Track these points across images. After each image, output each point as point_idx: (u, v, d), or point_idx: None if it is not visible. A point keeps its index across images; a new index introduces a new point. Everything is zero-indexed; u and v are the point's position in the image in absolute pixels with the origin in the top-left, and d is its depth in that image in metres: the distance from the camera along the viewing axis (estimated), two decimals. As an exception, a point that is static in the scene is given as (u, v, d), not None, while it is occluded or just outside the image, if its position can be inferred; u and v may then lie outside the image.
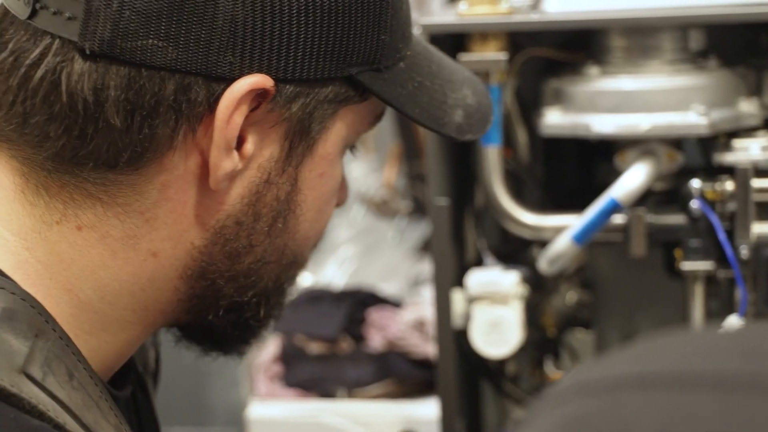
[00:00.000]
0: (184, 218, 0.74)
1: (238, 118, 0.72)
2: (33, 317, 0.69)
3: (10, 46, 0.72)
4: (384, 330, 2.21)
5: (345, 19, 0.73)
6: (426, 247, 2.41)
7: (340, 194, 0.83)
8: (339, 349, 2.21)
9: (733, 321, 1.37)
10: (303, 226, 0.78)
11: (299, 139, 0.75)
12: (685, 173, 1.40)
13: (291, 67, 0.72)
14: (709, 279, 1.41)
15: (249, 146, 0.74)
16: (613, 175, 1.40)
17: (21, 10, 0.72)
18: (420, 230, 2.45)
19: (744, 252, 1.36)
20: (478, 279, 1.46)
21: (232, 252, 0.76)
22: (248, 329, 0.81)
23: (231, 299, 0.78)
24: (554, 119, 1.40)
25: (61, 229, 0.72)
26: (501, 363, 1.54)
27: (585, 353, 1.54)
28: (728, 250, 1.35)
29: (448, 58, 0.86)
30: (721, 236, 1.36)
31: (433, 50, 0.84)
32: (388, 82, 0.77)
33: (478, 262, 1.52)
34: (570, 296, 1.55)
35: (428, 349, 2.15)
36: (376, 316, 2.23)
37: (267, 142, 0.75)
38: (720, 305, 1.42)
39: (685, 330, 0.47)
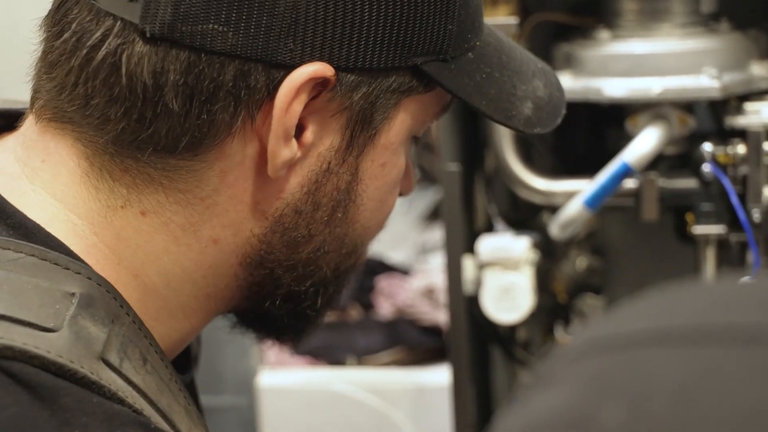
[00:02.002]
0: (244, 205, 0.73)
1: (297, 107, 0.71)
2: (109, 302, 0.70)
3: (74, 26, 0.71)
4: (393, 297, 2.21)
5: (411, 8, 0.72)
6: (434, 215, 2.41)
7: (405, 183, 0.82)
8: (348, 317, 2.22)
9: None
10: (364, 215, 0.77)
11: (360, 129, 0.74)
12: (697, 137, 1.39)
13: (353, 56, 0.71)
14: (721, 243, 1.41)
15: (309, 135, 0.73)
16: (624, 139, 1.40)
17: None
18: (428, 198, 2.45)
19: (756, 215, 1.35)
20: (489, 245, 1.46)
21: (291, 241, 0.75)
22: (305, 318, 0.80)
23: (289, 288, 0.77)
24: (565, 84, 1.37)
25: (125, 214, 0.72)
26: (512, 329, 1.54)
27: (596, 319, 1.54)
28: (741, 214, 1.35)
29: (519, 48, 0.84)
30: (734, 200, 1.35)
31: (505, 40, 0.82)
32: (455, 73, 0.76)
33: (489, 228, 1.52)
34: (580, 262, 1.55)
35: (438, 316, 2.15)
36: (385, 283, 2.23)
37: (327, 131, 0.73)
38: (732, 269, 1.42)
39: (699, 282, 0.46)
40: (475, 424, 1.51)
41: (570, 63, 1.40)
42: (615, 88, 1.36)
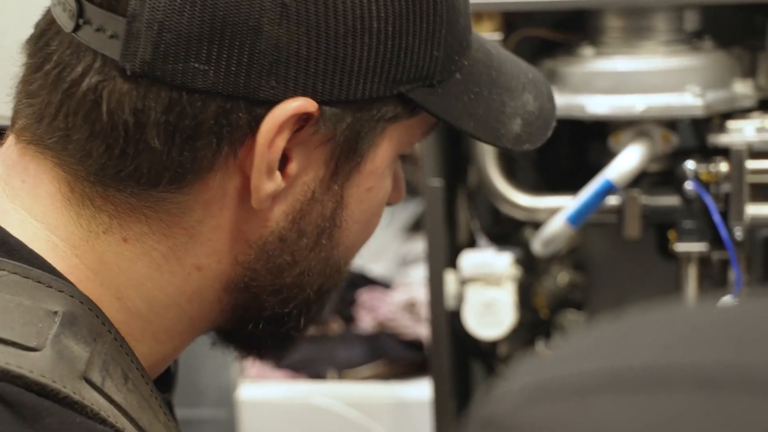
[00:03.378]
0: (228, 235, 0.73)
1: (280, 142, 0.70)
2: (91, 320, 0.69)
3: (55, 58, 0.71)
4: (374, 311, 2.21)
5: (395, 40, 0.71)
6: (415, 227, 2.41)
7: (393, 194, 0.81)
8: (329, 330, 2.21)
9: (727, 302, 1.36)
10: (349, 238, 0.77)
11: (345, 159, 0.73)
12: (680, 154, 1.39)
13: (337, 90, 0.71)
14: (703, 260, 1.41)
15: (293, 166, 0.72)
16: (607, 156, 1.40)
17: (66, 22, 0.70)
18: (409, 210, 2.45)
19: (738, 233, 1.36)
20: (472, 260, 1.45)
21: (275, 267, 0.75)
22: (287, 339, 0.80)
23: (273, 310, 0.77)
24: (549, 100, 1.39)
25: (107, 239, 0.72)
26: (493, 344, 1.54)
27: (577, 334, 1.54)
28: (723, 232, 1.35)
29: (511, 59, 0.83)
30: (716, 218, 1.35)
31: (494, 53, 0.81)
32: (442, 97, 0.75)
33: (471, 244, 1.51)
34: (562, 277, 1.55)
35: (419, 330, 2.15)
36: (366, 297, 2.23)
37: (312, 162, 0.73)
38: (713, 287, 1.42)
39: (654, 311, 0.42)
40: (455, 440, 1.51)
41: (553, 79, 1.40)
42: (598, 105, 1.36)
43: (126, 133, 0.69)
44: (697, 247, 1.38)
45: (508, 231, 1.52)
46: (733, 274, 1.37)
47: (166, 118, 0.68)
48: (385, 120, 0.74)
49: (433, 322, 1.49)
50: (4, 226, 0.71)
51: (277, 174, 0.71)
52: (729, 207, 1.36)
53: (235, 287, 0.75)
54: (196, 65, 0.68)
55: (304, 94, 0.70)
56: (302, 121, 0.71)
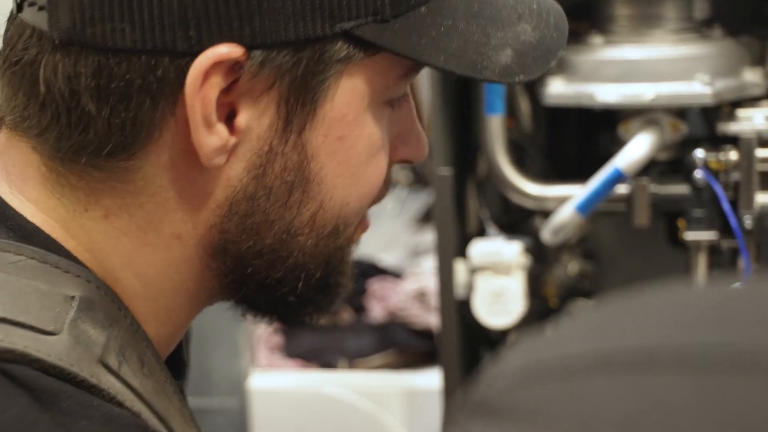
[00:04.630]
0: (194, 198, 0.72)
1: (211, 92, 0.68)
2: (108, 305, 0.70)
3: (8, 38, 0.72)
4: (385, 300, 2.21)
5: None
6: (426, 218, 2.41)
7: (407, 148, 0.78)
8: (340, 319, 2.22)
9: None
10: (334, 192, 0.74)
11: (296, 104, 0.71)
12: (689, 143, 1.39)
13: (265, 33, 0.68)
14: (712, 249, 1.41)
15: (241, 118, 0.70)
16: (616, 145, 1.40)
17: (14, 5, 0.73)
18: (420, 200, 2.45)
19: (748, 222, 1.36)
20: (481, 249, 1.46)
21: (250, 228, 0.74)
22: (290, 304, 0.79)
23: (261, 275, 0.76)
24: (558, 89, 1.39)
25: (91, 217, 0.72)
26: (503, 333, 1.54)
27: (587, 323, 1.54)
28: (732, 220, 1.35)
29: None
30: (725, 206, 1.35)
31: None
32: (399, 33, 0.71)
33: (481, 233, 1.52)
34: (572, 266, 1.55)
35: (429, 319, 2.15)
36: (376, 286, 2.23)
37: (261, 112, 0.71)
38: (723, 275, 1.42)
39: (651, 290, 0.42)
40: (465, 429, 1.51)
41: (563, 68, 1.40)
42: (607, 93, 1.36)
43: (64, 102, 0.69)
44: (706, 235, 1.38)
45: (517, 220, 1.52)
46: (742, 263, 1.37)
47: (96, 82, 0.68)
48: (336, 61, 0.71)
49: (443, 311, 1.49)
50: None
51: (219, 127, 0.70)
52: (738, 195, 1.36)
53: (217, 252, 0.74)
54: (115, 25, 0.68)
55: (229, 41, 0.68)
56: (236, 69, 0.69)
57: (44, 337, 0.65)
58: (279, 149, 0.72)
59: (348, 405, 2.13)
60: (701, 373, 0.37)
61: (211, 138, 0.70)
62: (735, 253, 1.39)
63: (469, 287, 1.47)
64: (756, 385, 0.36)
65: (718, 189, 1.36)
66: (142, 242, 0.72)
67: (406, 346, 2.17)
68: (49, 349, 0.65)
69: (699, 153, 1.37)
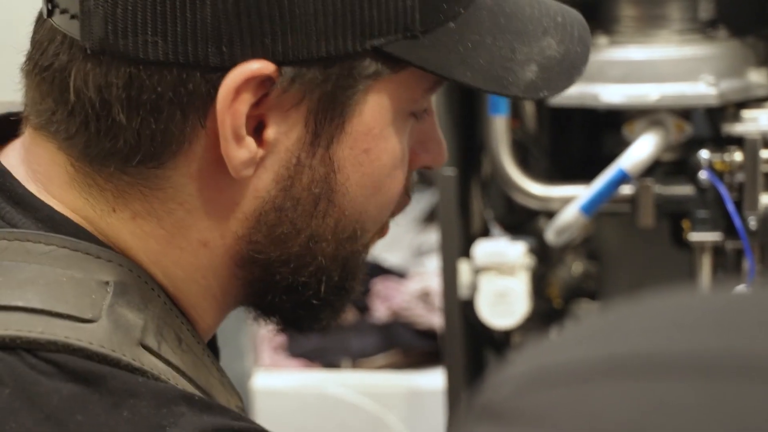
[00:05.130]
0: (222, 208, 0.73)
1: (241, 107, 0.69)
2: (141, 286, 0.71)
3: (36, 43, 0.72)
4: (389, 300, 2.21)
5: None
6: (430, 218, 2.41)
7: (428, 156, 0.79)
8: (343, 319, 2.22)
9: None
10: (357, 201, 0.75)
11: (325, 119, 0.72)
12: (694, 144, 1.39)
13: (296, 50, 0.69)
14: (717, 250, 1.41)
15: (271, 131, 0.71)
16: (621, 145, 1.40)
17: (44, 9, 0.73)
18: (424, 200, 2.45)
19: (752, 223, 1.35)
20: (485, 249, 1.45)
21: (278, 238, 0.74)
22: (312, 308, 0.80)
23: (287, 281, 0.76)
24: (562, 89, 1.39)
25: (119, 217, 0.72)
26: (506, 333, 1.54)
27: (591, 324, 1.54)
28: (737, 221, 1.35)
29: (535, 2, 0.77)
30: (730, 207, 1.35)
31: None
32: (429, 48, 0.71)
33: (485, 233, 1.51)
34: (576, 267, 1.55)
35: (433, 319, 2.15)
36: (380, 286, 2.23)
37: (290, 126, 0.71)
38: (727, 276, 1.42)
39: (658, 295, 0.42)
40: (469, 429, 1.51)
41: (567, 68, 1.39)
42: (612, 94, 1.36)
43: (93, 111, 0.70)
44: (710, 236, 1.38)
45: (521, 220, 1.52)
46: (747, 264, 1.37)
47: (127, 93, 0.69)
48: (365, 77, 0.71)
49: (447, 311, 1.49)
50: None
51: (249, 140, 0.70)
52: (743, 196, 1.36)
53: (244, 262, 0.75)
54: (147, 37, 0.68)
55: (261, 57, 0.68)
56: (267, 84, 0.70)
57: (84, 326, 0.66)
58: (307, 162, 0.73)
59: (351, 405, 2.13)
60: (708, 379, 0.37)
61: (241, 151, 0.70)
62: (739, 254, 1.39)
63: (473, 287, 1.47)
64: (763, 390, 0.36)
65: (723, 190, 1.36)
66: (170, 245, 0.73)
67: (409, 346, 2.17)
68: (91, 337, 0.66)
69: (704, 154, 1.37)
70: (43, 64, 0.72)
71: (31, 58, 0.73)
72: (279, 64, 0.69)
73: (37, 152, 0.74)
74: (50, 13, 0.71)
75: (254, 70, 0.69)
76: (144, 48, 0.68)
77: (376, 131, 0.73)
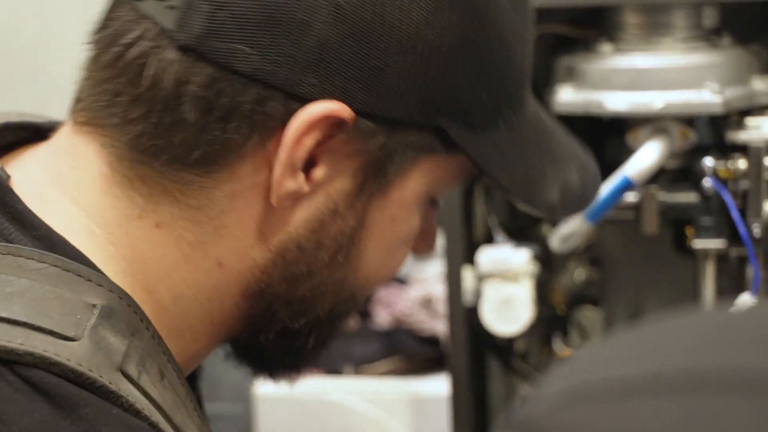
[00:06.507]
0: (250, 232, 0.73)
1: (309, 141, 0.70)
2: (130, 315, 0.70)
3: (116, 24, 0.72)
4: (391, 306, 2.21)
5: (440, 68, 0.71)
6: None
7: (422, 244, 0.81)
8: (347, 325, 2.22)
9: (745, 299, 1.37)
10: (367, 265, 0.77)
11: (373, 177, 0.73)
12: (698, 151, 1.39)
13: (374, 103, 0.70)
14: (721, 257, 1.41)
15: (319, 172, 0.72)
16: (625, 153, 1.40)
17: None
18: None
19: (756, 230, 1.36)
20: (489, 256, 1.46)
21: (290, 276, 0.75)
22: (297, 357, 0.81)
23: (284, 324, 0.77)
24: (567, 96, 1.39)
25: (141, 225, 0.72)
26: (510, 340, 1.54)
27: (594, 331, 1.54)
28: (741, 228, 1.35)
29: (563, 136, 0.83)
30: (734, 214, 1.35)
31: (547, 122, 0.81)
32: (480, 143, 0.75)
33: (489, 239, 1.52)
34: (579, 274, 1.55)
35: (435, 325, 2.15)
36: (383, 292, 2.23)
37: (339, 173, 0.73)
38: (731, 283, 1.42)
39: (696, 311, 0.42)
40: (472, 436, 1.51)
41: (571, 76, 1.40)
42: (616, 101, 1.37)
43: (164, 101, 0.70)
44: (715, 243, 1.38)
45: (525, 227, 1.52)
46: (751, 271, 1.37)
47: (204, 93, 0.69)
48: (420, 149, 0.74)
49: (451, 317, 1.49)
50: (46, 217, 0.72)
51: (301, 175, 0.71)
52: (747, 204, 1.36)
53: (252, 293, 0.75)
54: (243, 48, 0.69)
55: (341, 100, 0.70)
56: (334, 127, 0.71)
57: (64, 342, 0.66)
58: (342, 212, 0.74)
59: (354, 411, 2.13)
60: (751, 396, 0.36)
61: (290, 182, 0.71)
62: (743, 261, 1.39)
63: (477, 294, 1.47)
64: None
65: (727, 197, 1.36)
66: (185, 259, 0.73)
67: (411, 352, 2.17)
68: (69, 354, 0.65)
69: (708, 161, 1.37)
70: (119, 45, 0.71)
71: (100, 39, 0.73)
72: (356, 112, 0.70)
73: (75, 151, 0.74)
74: None
75: (334, 110, 0.70)
76: (237, 57, 0.69)
77: (408, 203, 0.76)
